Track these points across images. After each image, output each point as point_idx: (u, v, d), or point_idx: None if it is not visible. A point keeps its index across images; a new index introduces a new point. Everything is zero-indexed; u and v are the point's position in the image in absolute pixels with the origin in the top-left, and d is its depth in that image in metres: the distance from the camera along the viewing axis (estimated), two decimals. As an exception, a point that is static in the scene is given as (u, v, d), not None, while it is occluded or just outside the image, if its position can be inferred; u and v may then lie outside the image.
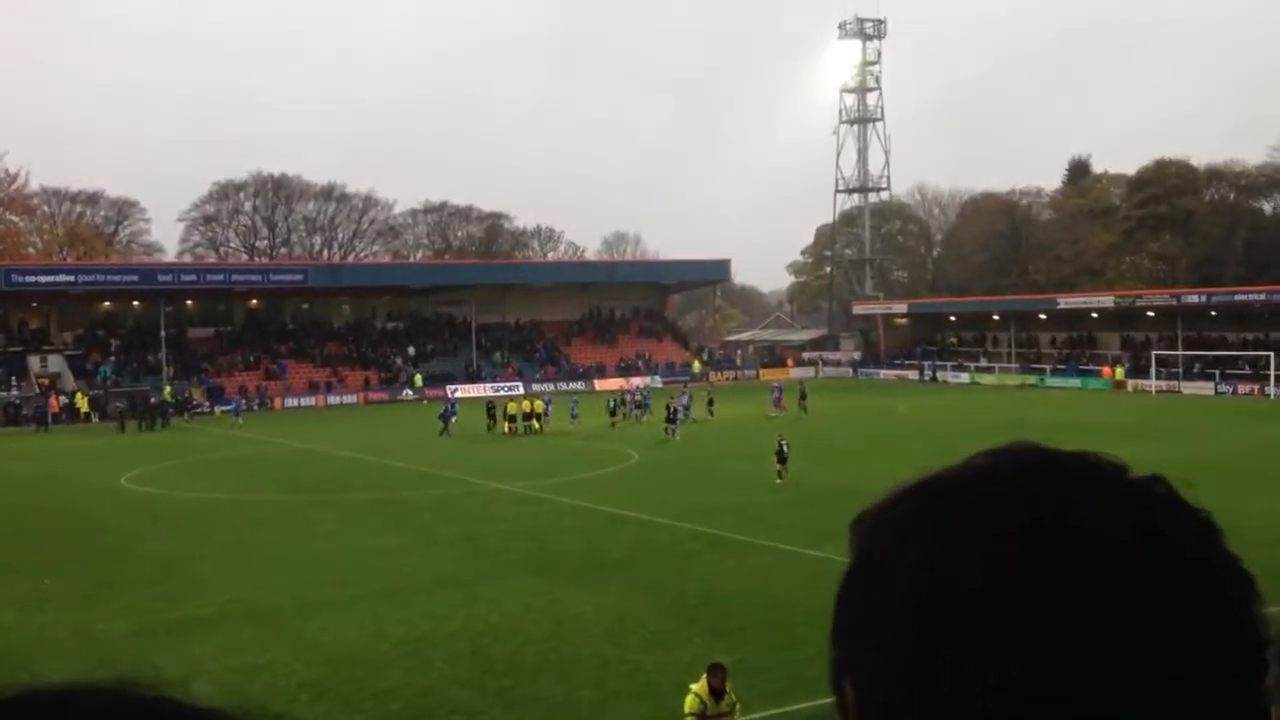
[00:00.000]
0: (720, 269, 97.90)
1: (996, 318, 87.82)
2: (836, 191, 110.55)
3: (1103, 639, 0.75)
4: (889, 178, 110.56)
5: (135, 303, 78.20)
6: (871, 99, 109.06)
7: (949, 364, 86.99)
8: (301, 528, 29.13)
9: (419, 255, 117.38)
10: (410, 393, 76.02)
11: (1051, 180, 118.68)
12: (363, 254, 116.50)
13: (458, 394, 69.34)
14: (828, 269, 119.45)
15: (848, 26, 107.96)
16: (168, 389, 67.72)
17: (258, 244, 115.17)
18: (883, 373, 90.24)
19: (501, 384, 76.90)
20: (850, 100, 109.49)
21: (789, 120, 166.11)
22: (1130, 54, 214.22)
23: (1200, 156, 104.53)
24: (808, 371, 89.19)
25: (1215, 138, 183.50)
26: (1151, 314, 77.60)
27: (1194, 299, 74.87)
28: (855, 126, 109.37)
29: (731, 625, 18.67)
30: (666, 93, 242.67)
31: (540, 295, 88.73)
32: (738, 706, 12.78)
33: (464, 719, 15.04)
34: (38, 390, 68.42)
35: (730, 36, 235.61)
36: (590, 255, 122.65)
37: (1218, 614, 0.79)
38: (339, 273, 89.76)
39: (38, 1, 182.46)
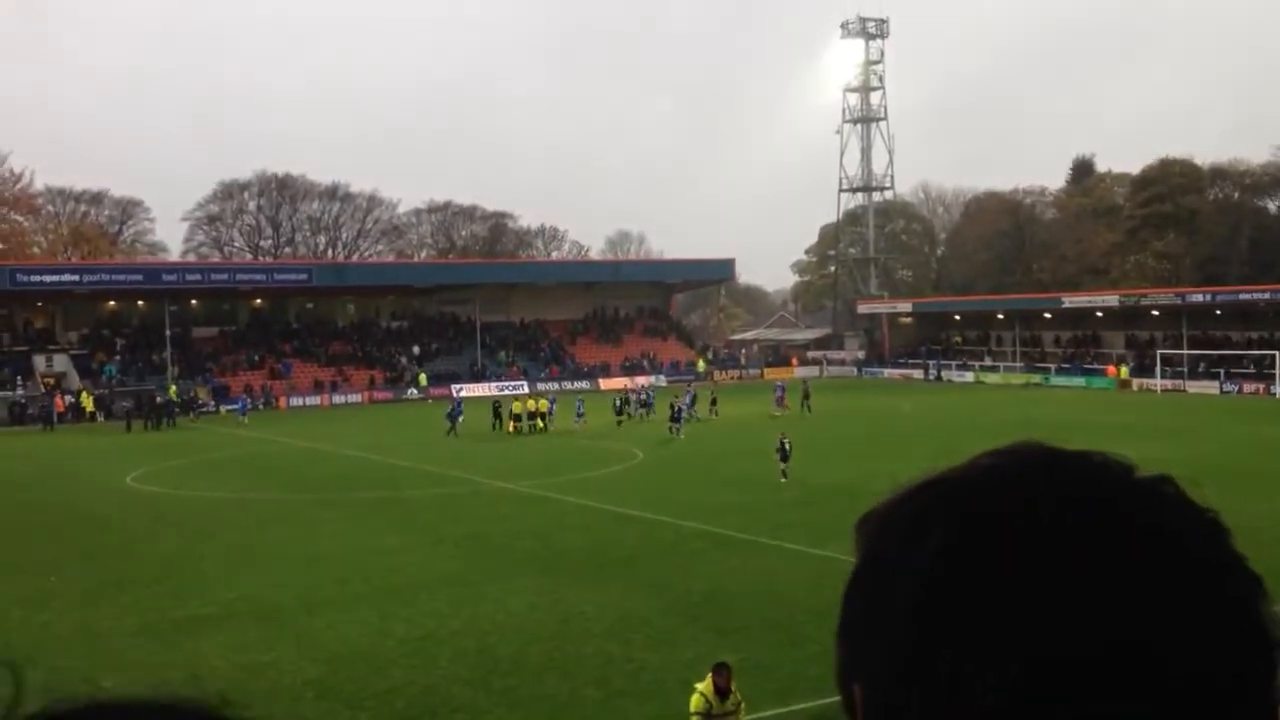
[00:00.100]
0: (724, 268, 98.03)
1: (1001, 317, 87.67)
2: (840, 190, 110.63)
3: (1103, 639, 0.75)
4: (893, 177, 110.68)
5: (140, 302, 78.32)
6: (875, 98, 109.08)
7: (954, 363, 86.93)
8: (306, 526, 29.18)
9: (423, 255, 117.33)
10: (415, 392, 76.07)
11: (1055, 179, 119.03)
12: (367, 253, 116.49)
13: (463, 393, 69.40)
14: (832, 268, 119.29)
15: (850, 26, 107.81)
16: (173, 388, 67.73)
17: (262, 243, 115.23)
18: (887, 372, 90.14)
19: (506, 383, 76.82)
20: (854, 99, 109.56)
21: (792, 119, 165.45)
22: (1131, 53, 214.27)
23: (1202, 155, 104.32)
24: (812, 371, 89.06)
25: (1216, 136, 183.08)
26: (1156, 313, 77.50)
27: (1199, 298, 74.69)
28: (859, 125, 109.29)
29: (736, 624, 18.67)
30: (669, 92, 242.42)
31: (545, 294, 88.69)
32: (743, 705, 12.78)
33: (468, 717, 15.05)
34: (43, 390, 68.52)
35: (732, 36, 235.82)
36: (594, 254, 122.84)
37: (1223, 613, 0.78)
38: (343, 272, 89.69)
39: (39, 1, 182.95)
